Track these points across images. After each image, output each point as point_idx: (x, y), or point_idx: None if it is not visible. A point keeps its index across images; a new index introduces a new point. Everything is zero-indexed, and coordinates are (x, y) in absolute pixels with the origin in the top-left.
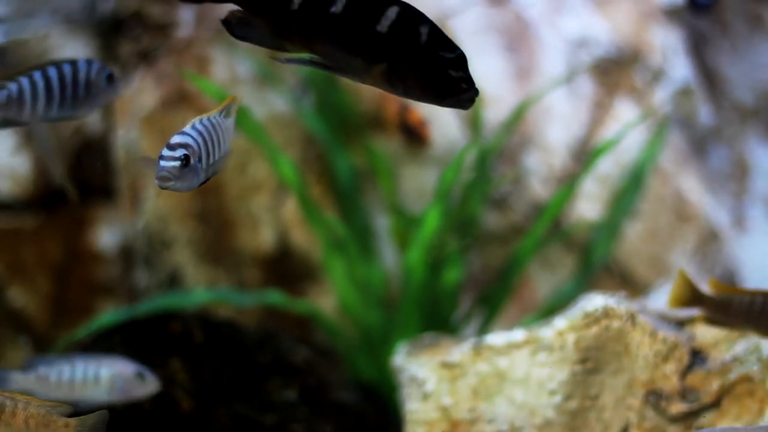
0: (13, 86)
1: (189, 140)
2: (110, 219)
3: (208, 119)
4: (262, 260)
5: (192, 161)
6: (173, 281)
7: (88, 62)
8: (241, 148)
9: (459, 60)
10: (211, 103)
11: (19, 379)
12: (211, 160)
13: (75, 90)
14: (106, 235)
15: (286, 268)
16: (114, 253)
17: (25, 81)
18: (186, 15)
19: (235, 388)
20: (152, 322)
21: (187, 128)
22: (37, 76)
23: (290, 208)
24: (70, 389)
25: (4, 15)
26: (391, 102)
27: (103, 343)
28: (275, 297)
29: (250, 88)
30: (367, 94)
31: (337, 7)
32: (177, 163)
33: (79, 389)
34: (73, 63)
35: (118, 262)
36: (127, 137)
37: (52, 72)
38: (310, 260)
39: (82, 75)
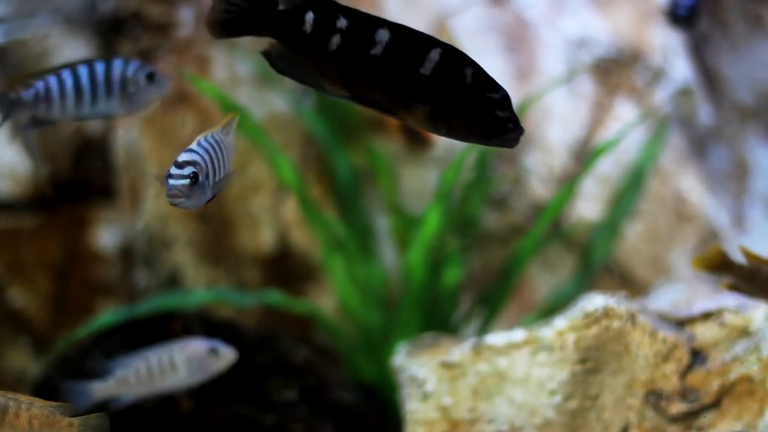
0: (40, 85)
1: (197, 158)
2: (110, 219)
3: (212, 136)
4: (262, 260)
5: (200, 178)
6: (173, 281)
7: (125, 61)
8: (241, 148)
9: (504, 100)
10: (211, 103)
11: (101, 388)
12: (217, 177)
13: (108, 89)
14: (106, 235)
15: (286, 268)
16: (114, 253)
17: (52, 80)
18: (186, 15)
19: (235, 388)
20: (152, 322)
21: (194, 145)
22: (66, 74)
23: (290, 208)
24: (150, 383)
25: (4, 15)
26: None
27: (103, 343)
28: (275, 297)
29: (250, 88)
30: None
31: (377, 50)
32: (186, 181)
33: (159, 380)
34: (107, 61)
35: (118, 262)
36: (127, 137)
37: (83, 70)
38: (310, 260)
39: (116, 73)
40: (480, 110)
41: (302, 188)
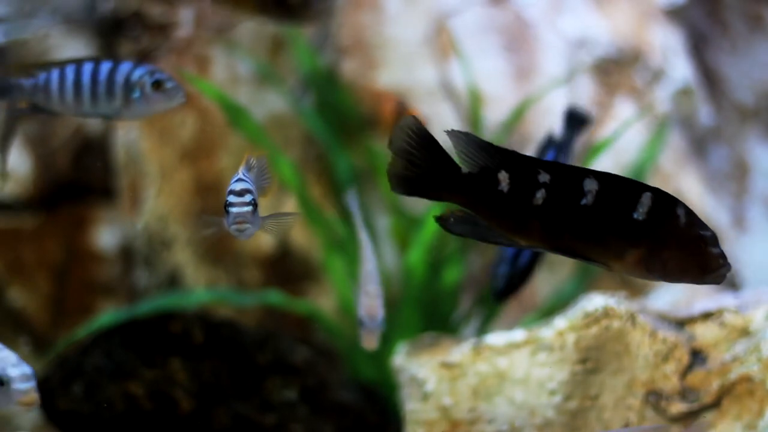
0: (42, 76)
1: (250, 186)
2: (110, 219)
3: (248, 169)
4: (262, 260)
5: (257, 206)
6: (173, 281)
7: (135, 64)
8: (242, 148)
9: (714, 237)
10: (211, 103)
11: None
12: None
13: (110, 90)
14: (106, 235)
15: (286, 268)
16: (114, 253)
17: (55, 73)
18: (186, 15)
19: (235, 388)
20: (152, 322)
21: (241, 174)
22: (69, 69)
23: (290, 208)
24: None
25: (4, 15)
26: (387, 102)
27: (103, 343)
28: (275, 297)
29: (250, 88)
30: (367, 94)
31: (587, 199)
32: (250, 208)
33: None
34: (115, 62)
35: (118, 262)
36: (127, 137)
37: (87, 67)
38: (310, 260)
39: (119, 76)
40: (696, 249)
41: (302, 188)
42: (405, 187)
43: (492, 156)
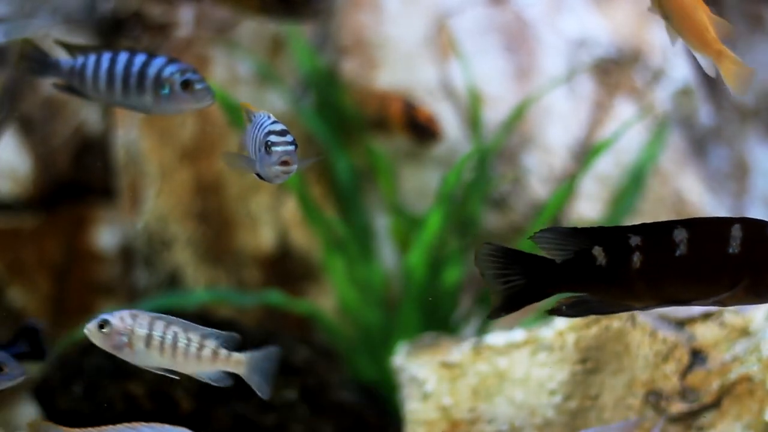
0: (80, 59)
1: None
2: (110, 219)
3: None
4: (262, 260)
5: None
6: (173, 281)
7: (169, 60)
8: (241, 148)
9: None
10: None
11: None
12: None
13: (141, 83)
14: (106, 235)
15: (286, 268)
16: (114, 253)
17: (92, 58)
18: (186, 15)
19: (235, 388)
20: None
21: (271, 117)
22: (105, 57)
23: (290, 208)
24: None
25: (4, 15)
26: (395, 102)
27: None
28: (275, 297)
29: (250, 88)
30: (370, 95)
31: (681, 250)
32: (293, 147)
33: None
34: (149, 56)
35: (118, 262)
36: (127, 137)
37: (122, 57)
38: (310, 260)
39: (151, 70)
40: None
41: (302, 188)
42: (514, 306)
43: (580, 238)
